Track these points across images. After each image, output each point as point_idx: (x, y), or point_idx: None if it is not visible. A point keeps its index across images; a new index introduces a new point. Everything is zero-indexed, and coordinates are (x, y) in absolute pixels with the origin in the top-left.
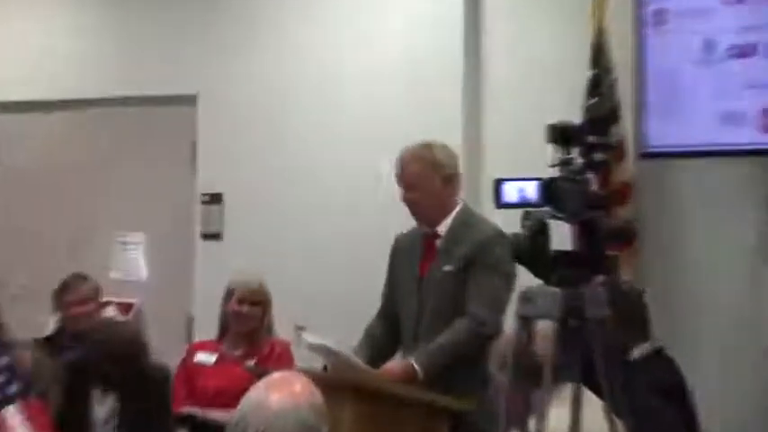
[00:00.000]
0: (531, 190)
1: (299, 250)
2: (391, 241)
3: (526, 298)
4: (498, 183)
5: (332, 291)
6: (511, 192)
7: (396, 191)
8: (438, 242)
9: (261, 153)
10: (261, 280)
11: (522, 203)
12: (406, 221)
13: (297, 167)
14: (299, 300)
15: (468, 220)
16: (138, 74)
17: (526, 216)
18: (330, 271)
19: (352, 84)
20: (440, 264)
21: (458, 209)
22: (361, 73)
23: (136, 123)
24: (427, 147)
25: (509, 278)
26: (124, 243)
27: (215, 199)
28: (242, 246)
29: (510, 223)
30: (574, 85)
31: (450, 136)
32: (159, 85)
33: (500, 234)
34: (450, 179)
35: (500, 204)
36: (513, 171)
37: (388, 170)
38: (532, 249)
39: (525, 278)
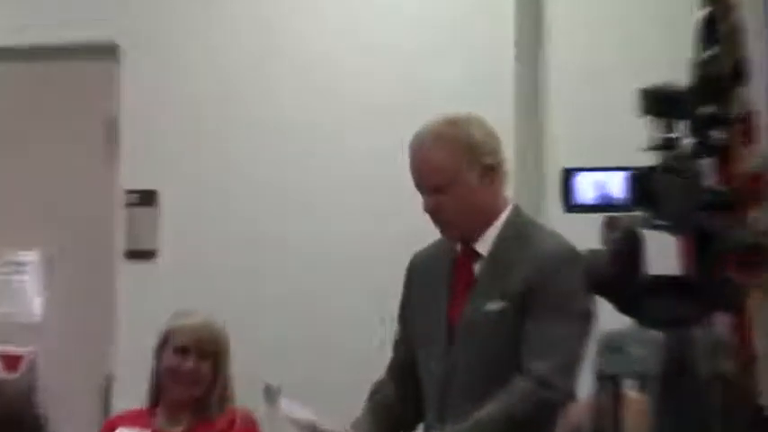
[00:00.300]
0: (616, 185)
1: (271, 277)
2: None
3: (610, 347)
4: (568, 174)
5: (318, 337)
6: (586, 188)
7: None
8: (477, 266)
9: (214, 134)
10: (212, 321)
11: (604, 205)
12: (428, 231)
13: (268, 155)
14: (269, 351)
15: (522, 232)
16: (26, 15)
17: (609, 223)
18: (316, 309)
19: (352, 37)
20: (481, 299)
21: (506, 215)
22: (366, 25)
23: (25, 87)
24: (454, 123)
25: (584, 318)
26: (11, 266)
27: (146, 199)
28: (185, 269)
29: (585, 234)
30: (678, 31)
31: (499, 110)
32: (60, 30)
33: (571, 252)
34: (492, 170)
35: (570, 206)
36: (588, 158)
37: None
38: (619, 274)
39: (608, 317)
